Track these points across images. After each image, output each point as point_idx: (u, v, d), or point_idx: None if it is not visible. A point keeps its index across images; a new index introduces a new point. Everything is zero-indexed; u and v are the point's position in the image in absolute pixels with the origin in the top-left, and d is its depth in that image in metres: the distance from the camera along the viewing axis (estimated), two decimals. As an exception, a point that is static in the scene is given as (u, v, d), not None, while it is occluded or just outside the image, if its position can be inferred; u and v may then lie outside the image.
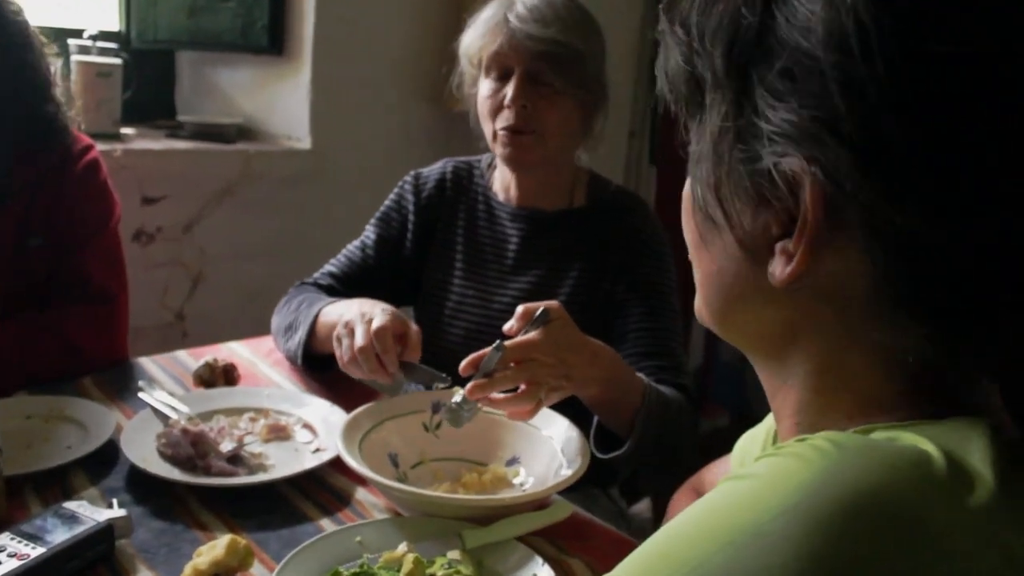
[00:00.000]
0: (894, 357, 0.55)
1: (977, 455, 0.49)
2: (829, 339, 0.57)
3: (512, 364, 1.13)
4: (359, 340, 1.23)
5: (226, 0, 2.39)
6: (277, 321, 1.55)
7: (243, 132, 2.46)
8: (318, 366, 1.47)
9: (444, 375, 1.20)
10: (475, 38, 1.47)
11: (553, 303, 1.18)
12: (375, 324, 1.23)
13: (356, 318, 1.27)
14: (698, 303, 0.66)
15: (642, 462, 1.28)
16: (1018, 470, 0.50)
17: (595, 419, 1.29)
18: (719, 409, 3.90)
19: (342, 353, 1.27)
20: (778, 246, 0.55)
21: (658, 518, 1.69)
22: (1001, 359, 0.53)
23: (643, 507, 1.75)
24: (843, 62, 0.49)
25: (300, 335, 1.44)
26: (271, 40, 2.40)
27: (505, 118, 1.44)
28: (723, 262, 0.59)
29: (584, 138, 1.54)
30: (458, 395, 1.16)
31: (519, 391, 1.14)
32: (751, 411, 3.95)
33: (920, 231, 0.49)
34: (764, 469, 0.50)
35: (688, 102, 0.60)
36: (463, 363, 1.14)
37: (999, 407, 0.55)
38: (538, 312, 1.15)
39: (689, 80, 0.59)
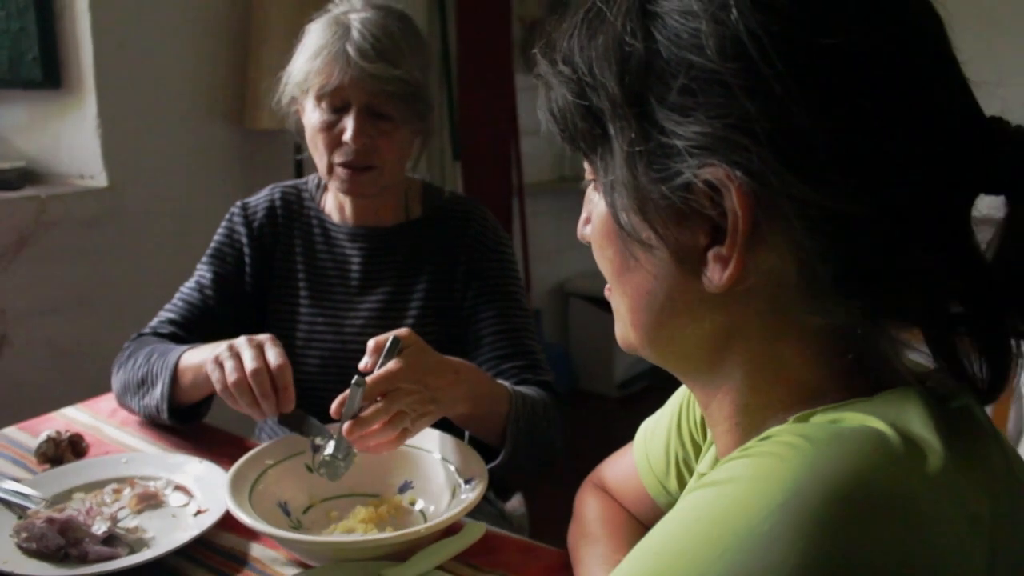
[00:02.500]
0: (823, 341, 0.59)
1: (918, 422, 0.53)
2: (763, 336, 0.60)
3: (378, 398, 1.11)
4: (251, 362, 1.15)
5: (-17, 32, 2.18)
6: (123, 378, 1.42)
7: (28, 176, 2.26)
8: (184, 418, 1.37)
9: (329, 432, 1.17)
10: (307, 63, 1.40)
11: (403, 330, 1.16)
12: (272, 357, 1.17)
13: (240, 342, 1.19)
14: (623, 331, 0.67)
15: (519, 465, 1.29)
16: (955, 430, 0.54)
17: (466, 433, 1.29)
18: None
19: (225, 375, 1.17)
20: (711, 253, 0.57)
21: (532, 510, 1.72)
22: (923, 310, 0.58)
23: (516, 503, 1.76)
24: (744, 68, 0.53)
25: (161, 386, 1.33)
26: (45, 73, 2.21)
27: (344, 153, 1.40)
28: (658, 280, 0.61)
29: (418, 157, 1.53)
30: (329, 447, 1.13)
31: (382, 423, 1.11)
32: (579, 386, 4.10)
33: (845, 209, 0.53)
34: (742, 471, 0.52)
35: (587, 137, 0.62)
36: (333, 405, 1.11)
37: (920, 375, 0.60)
38: (389, 342, 1.14)
39: (586, 115, 0.61)
